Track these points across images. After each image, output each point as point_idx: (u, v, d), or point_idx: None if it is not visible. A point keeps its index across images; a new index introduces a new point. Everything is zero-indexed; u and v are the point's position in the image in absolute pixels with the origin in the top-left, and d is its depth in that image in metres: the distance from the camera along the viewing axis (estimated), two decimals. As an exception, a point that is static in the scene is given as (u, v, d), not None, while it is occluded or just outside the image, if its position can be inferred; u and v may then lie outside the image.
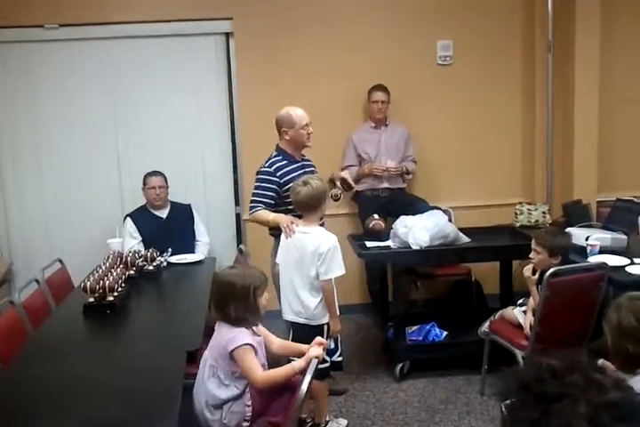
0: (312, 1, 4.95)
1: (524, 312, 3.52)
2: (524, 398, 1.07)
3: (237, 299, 2.53)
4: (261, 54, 4.94)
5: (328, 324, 3.26)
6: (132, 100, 4.95)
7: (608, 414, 1.00)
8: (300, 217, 3.38)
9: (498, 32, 5.10)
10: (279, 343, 2.76)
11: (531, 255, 3.44)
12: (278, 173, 3.67)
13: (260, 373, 2.46)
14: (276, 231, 3.62)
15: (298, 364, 2.48)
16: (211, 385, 2.53)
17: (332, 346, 3.30)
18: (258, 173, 3.73)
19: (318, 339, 2.65)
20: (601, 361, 2.26)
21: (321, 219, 3.43)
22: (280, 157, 3.73)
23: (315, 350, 2.54)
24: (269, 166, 3.70)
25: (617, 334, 2.11)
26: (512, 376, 1.13)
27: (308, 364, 2.42)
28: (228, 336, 2.50)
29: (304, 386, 2.23)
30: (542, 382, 1.07)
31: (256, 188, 3.70)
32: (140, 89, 4.95)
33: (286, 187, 3.58)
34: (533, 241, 3.45)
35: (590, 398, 1.02)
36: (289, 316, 3.31)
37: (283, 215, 3.50)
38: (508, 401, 1.11)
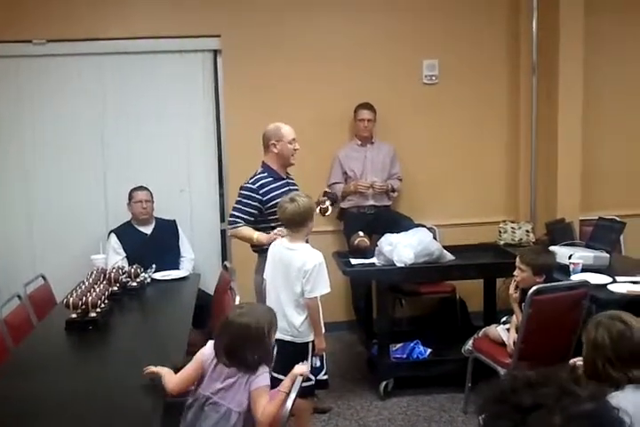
0: (300, 19, 4.99)
1: (508, 330, 3.53)
2: (500, 409, 1.07)
3: (253, 342, 2.40)
4: (249, 72, 4.96)
5: (313, 342, 3.25)
6: (119, 116, 4.95)
7: (581, 424, 1.00)
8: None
9: (483, 52, 5.17)
10: None
11: (515, 273, 3.46)
12: (261, 191, 3.68)
13: (261, 412, 2.36)
14: (258, 248, 3.64)
15: (285, 386, 2.43)
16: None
17: (318, 364, 3.28)
18: (241, 188, 3.75)
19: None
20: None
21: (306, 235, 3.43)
22: (265, 174, 3.74)
23: (299, 367, 2.51)
24: (253, 183, 3.71)
25: (590, 349, 2.15)
26: (488, 389, 1.14)
27: (293, 382, 2.41)
28: (252, 377, 2.39)
29: (288, 404, 2.22)
30: (517, 393, 1.07)
31: (237, 203, 3.72)
32: (127, 105, 4.95)
33: (269, 204, 3.60)
34: (518, 259, 3.47)
35: (564, 408, 1.02)
36: (274, 333, 3.30)
37: (265, 235, 3.56)
38: (484, 415, 1.11)
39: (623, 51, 5.21)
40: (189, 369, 2.50)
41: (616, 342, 2.10)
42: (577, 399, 1.04)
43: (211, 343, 2.51)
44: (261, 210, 3.67)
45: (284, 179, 3.81)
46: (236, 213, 3.69)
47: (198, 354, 2.51)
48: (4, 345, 3.09)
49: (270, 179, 3.73)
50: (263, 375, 2.40)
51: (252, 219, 3.66)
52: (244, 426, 2.40)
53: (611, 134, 5.24)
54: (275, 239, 3.41)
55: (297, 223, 3.25)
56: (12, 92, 4.85)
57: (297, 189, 3.79)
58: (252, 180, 3.73)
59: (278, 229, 3.52)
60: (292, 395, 2.28)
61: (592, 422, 1.01)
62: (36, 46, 4.80)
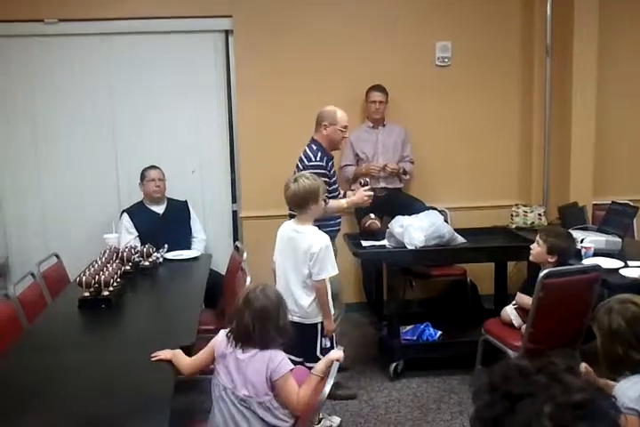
0: (311, 0, 4.95)
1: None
2: (491, 397, 1.07)
3: (273, 320, 2.41)
4: (260, 52, 4.94)
5: (322, 323, 3.26)
6: (131, 96, 4.95)
7: (570, 413, 1.00)
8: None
9: (496, 34, 5.12)
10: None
11: (532, 246, 3.47)
12: (328, 166, 3.76)
13: (296, 399, 2.35)
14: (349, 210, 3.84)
15: (318, 370, 2.40)
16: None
17: (328, 345, 3.30)
18: (309, 167, 3.67)
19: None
20: (583, 365, 2.30)
21: (338, 218, 3.66)
22: (322, 150, 3.78)
23: (335, 352, 2.46)
24: (320, 160, 3.72)
25: (607, 337, 2.14)
26: (482, 377, 1.14)
27: (328, 367, 2.36)
28: (271, 365, 2.36)
29: (326, 389, 2.18)
30: (508, 381, 1.07)
31: None
32: (139, 85, 4.95)
33: (333, 179, 3.79)
34: (539, 233, 3.49)
35: (553, 397, 1.02)
36: (283, 314, 3.31)
37: (352, 197, 3.80)
38: (477, 403, 1.11)
39: (638, 34, 5.14)
40: (203, 355, 2.53)
41: (632, 325, 2.10)
42: (567, 389, 1.04)
43: (223, 332, 2.49)
44: (330, 184, 3.73)
45: (331, 158, 3.85)
46: None
47: (212, 342, 2.51)
48: (18, 322, 3.12)
49: (327, 156, 3.78)
50: (282, 363, 2.37)
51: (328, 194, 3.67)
52: (268, 414, 2.38)
53: (625, 117, 5.19)
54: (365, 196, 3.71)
55: (297, 204, 3.24)
56: (23, 72, 4.86)
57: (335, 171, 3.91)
58: (317, 157, 3.71)
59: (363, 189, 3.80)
60: (330, 380, 2.21)
61: (580, 411, 1.01)
62: (47, 25, 4.79)
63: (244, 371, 2.38)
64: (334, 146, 3.85)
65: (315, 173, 3.59)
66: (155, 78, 4.96)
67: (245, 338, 2.41)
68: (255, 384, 2.37)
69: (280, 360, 2.38)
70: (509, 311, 3.57)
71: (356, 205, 3.98)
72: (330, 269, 3.18)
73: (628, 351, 2.08)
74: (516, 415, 1.02)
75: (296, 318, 3.24)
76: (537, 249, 3.44)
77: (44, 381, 2.37)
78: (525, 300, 3.47)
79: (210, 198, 5.11)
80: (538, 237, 3.46)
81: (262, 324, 2.40)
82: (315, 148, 3.77)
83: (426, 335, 4.16)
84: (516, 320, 3.50)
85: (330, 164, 3.80)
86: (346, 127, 3.82)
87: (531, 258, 3.49)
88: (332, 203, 3.70)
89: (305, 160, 3.73)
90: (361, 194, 3.80)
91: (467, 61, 5.11)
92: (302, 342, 3.18)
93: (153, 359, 2.51)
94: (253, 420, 2.37)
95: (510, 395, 1.05)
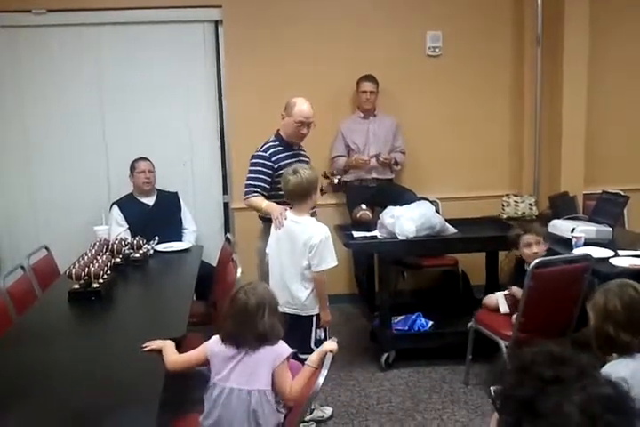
0: (303, -10, 4.94)
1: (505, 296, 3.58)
2: (521, 378, 1.08)
3: (261, 317, 2.36)
4: (251, 43, 4.91)
5: (317, 315, 3.26)
6: (120, 87, 4.92)
7: (600, 404, 1.01)
8: (284, 204, 3.38)
9: (487, 24, 5.10)
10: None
11: (535, 249, 3.45)
12: (273, 159, 3.64)
13: (289, 389, 2.34)
14: (266, 216, 3.61)
15: (313, 360, 2.38)
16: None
17: (322, 336, 3.29)
18: (252, 157, 3.69)
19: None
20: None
21: (312, 208, 3.42)
22: (277, 143, 3.71)
23: (330, 344, 2.43)
24: (265, 151, 3.67)
25: (601, 317, 2.14)
26: (506, 360, 1.15)
27: (322, 358, 2.35)
28: (272, 355, 2.35)
29: (320, 380, 2.17)
30: (539, 365, 1.08)
31: (251, 172, 3.65)
32: (128, 76, 4.92)
33: (279, 173, 3.52)
34: (532, 236, 3.48)
35: (584, 387, 1.03)
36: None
37: (275, 205, 3.44)
38: (498, 386, 1.11)
39: (629, 23, 5.13)
40: (192, 355, 2.47)
41: (628, 308, 2.10)
42: (597, 382, 1.05)
43: (216, 337, 2.44)
44: (272, 177, 3.59)
45: (294, 150, 3.76)
46: (251, 183, 3.61)
47: (204, 345, 2.46)
48: (7, 315, 3.10)
49: (280, 148, 3.69)
50: (282, 348, 2.36)
51: (268, 186, 3.58)
52: (264, 404, 2.33)
53: (616, 107, 5.19)
54: (277, 224, 3.32)
55: (300, 196, 3.23)
56: (11, 63, 4.82)
57: (307, 162, 3.77)
58: (262, 147, 3.69)
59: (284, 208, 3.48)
60: (324, 371, 2.21)
61: (610, 406, 1.02)
62: (35, 16, 4.75)
63: (245, 361, 2.35)
64: (291, 139, 3.72)
65: (252, 162, 3.63)
66: (144, 69, 4.93)
67: (245, 337, 2.36)
68: (255, 373, 2.33)
69: (280, 346, 2.38)
70: (498, 296, 3.58)
71: (268, 214, 3.46)
72: (329, 261, 3.17)
73: (619, 332, 2.08)
74: (546, 397, 1.03)
75: (291, 310, 3.23)
76: (541, 248, 3.45)
77: (33, 373, 2.36)
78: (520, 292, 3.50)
79: (201, 190, 5.09)
80: (532, 239, 3.46)
81: (264, 319, 2.35)
82: (271, 138, 3.73)
83: (417, 326, 4.17)
84: (503, 307, 3.53)
85: (285, 154, 3.66)
86: (301, 123, 3.64)
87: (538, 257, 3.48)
88: (256, 200, 3.57)
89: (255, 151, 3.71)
90: (280, 209, 3.35)
91: (458, 51, 5.09)
92: (297, 334, 3.17)
93: (144, 350, 2.50)
94: (249, 414, 2.32)
95: (542, 377, 1.06)
